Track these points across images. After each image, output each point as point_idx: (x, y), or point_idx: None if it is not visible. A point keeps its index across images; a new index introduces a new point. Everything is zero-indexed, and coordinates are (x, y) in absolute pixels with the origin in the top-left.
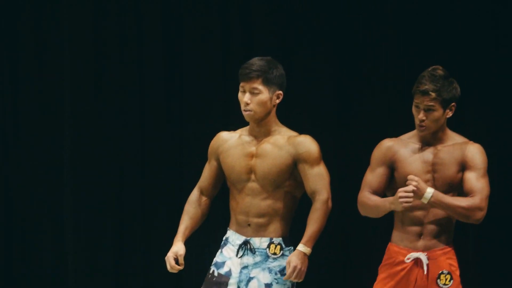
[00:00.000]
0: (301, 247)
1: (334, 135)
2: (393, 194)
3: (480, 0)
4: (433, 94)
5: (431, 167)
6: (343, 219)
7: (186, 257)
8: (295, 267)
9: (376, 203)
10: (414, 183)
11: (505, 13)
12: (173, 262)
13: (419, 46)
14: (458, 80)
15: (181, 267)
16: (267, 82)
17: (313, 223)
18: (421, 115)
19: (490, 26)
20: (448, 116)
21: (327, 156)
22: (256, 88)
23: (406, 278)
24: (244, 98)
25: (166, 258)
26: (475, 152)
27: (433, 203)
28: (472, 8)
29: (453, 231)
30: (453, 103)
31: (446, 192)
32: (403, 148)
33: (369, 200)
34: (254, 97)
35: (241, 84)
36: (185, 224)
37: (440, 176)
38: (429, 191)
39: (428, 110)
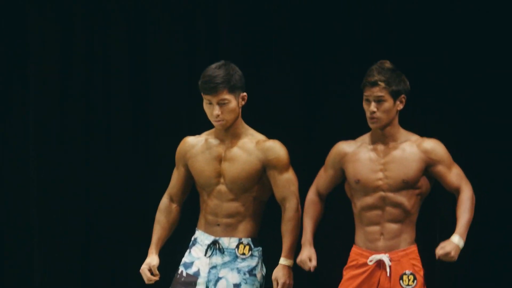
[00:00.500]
0: (283, 261)
1: (299, 139)
2: (350, 193)
3: None
4: (382, 84)
5: (382, 166)
6: None
7: None
8: (284, 284)
9: (304, 221)
10: (444, 253)
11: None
12: (148, 274)
13: (379, 48)
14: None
15: (156, 278)
16: (232, 90)
17: (289, 235)
18: (372, 107)
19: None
20: (398, 109)
21: (293, 160)
22: (224, 99)
23: (369, 279)
24: (214, 111)
25: (140, 270)
26: (435, 147)
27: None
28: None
29: (414, 230)
30: (402, 95)
31: (400, 189)
32: (355, 149)
33: (305, 213)
34: (223, 107)
35: (207, 97)
36: (157, 235)
37: (392, 175)
38: (460, 244)
39: (378, 101)
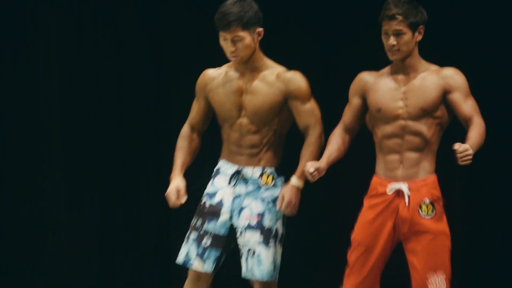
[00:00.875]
0: (294, 181)
1: (319, 71)
2: (371, 123)
3: None
4: (400, 17)
5: (402, 95)
6: None
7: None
8: (289, 202)
9: (325, 151)
10: (463, 150)
11: None
12: (174, 198)
13: None
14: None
15: (182, 201)
16: (246, 26)
17: (307, 158)
18: (391, 40)
19: None
20: (418, 40)
21: (314, 91)
22: (237, 36)
23: (388, 208)
24: (229, 47)
25: (166, 194)
26: (454, 74)
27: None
28: None
29: (434, 160)
30: (421, 26)
31: (418, 117)
32: (376, 79)
33: (328, 144)
34: (237, 44)
35: (222, 34)
36: (180, 160)
37: (411, 103)
38: (470, 150)
39: (397, 34)
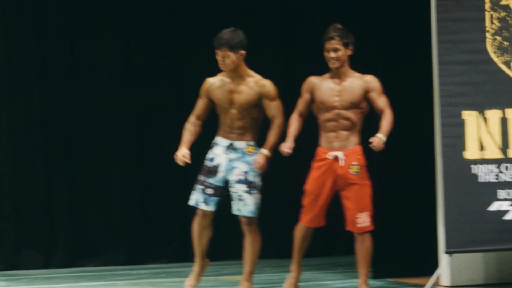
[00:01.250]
0: (263, 151)
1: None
2: (316, 110)
3: None
4: (337, 38)
5: (337, 93)
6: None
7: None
8: (258, 163)
9: (288, 130)
10: (376, 143)
11: None
12: (181, 157)
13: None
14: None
15: (188, 161)
16: (232, 49)
17: (272, 137)
18: (332, 54)
19: None
20: (348, 54)
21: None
22: (225, 54)
23: (329, 168)
24: (220, 61)
25: (175, 156)
26: (372, 79)
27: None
28: None
29: (359, 136)
30: (350, 44)
31: (348, 108)
32: (320, 82)
33: (288, 124)
34: (225, 59)
35: (216, 50)
36: (186, 138)
37: (344, 98)
38: (382, 138)
39: (335, 50)
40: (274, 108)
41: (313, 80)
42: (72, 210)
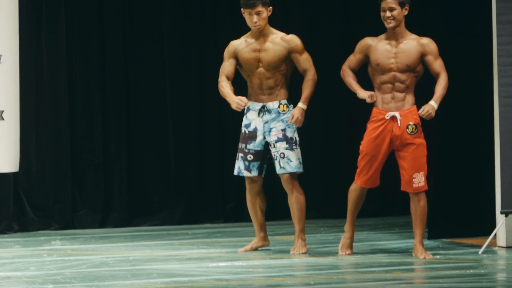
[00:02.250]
0: (300, 105)
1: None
2: (372, 72)
3: None
4: None
5: (393, 54)
6: (336, 93)
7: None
8: (297, 118)
9: (349, 82)
10: (426, 112)
11: None
12: (238, 101)
13: None
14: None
15: (247, 102)
16: (264, 5)
17: (307, 89)
18: (388, 13)
19: None
20: (404, 14)
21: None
22: (259, 11)
23: (385, 128)
24: (253, 19)
25: (232, 102)
26: (428, 42)
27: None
28: None
29: (414, 97)
30: (406, 5)
31: (404, 71)
32: (376, 43)
33: (346, 76)
34: (259, 16)
35: (247, 10)
36: (230, 90)
37: (400, 61)
38: (434, 106)
39: (391, 9)
40: (304, 60)
41: (368, 41)
42: (128, 170)
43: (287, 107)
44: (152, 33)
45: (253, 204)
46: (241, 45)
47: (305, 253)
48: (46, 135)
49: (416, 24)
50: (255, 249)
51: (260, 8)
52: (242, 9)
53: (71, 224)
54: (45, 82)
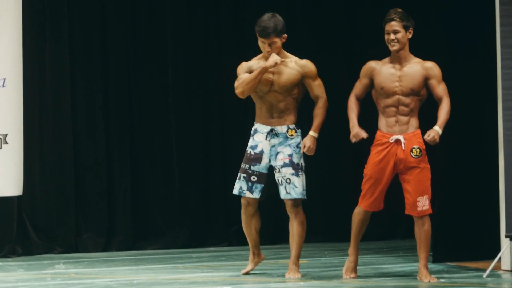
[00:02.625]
0: (312, 133)
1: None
2: (376, 96)
3: None
4: (397, 19)
5: (398, 78)
6: (339, 116)
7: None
8: (309, 147)
9: (350, 116)
10: (432, 138)
11: None
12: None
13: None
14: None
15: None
16: (278, 35)
17: (318, 118)
18: (392, 36)
19: None
20: (408, 37)
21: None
22: (273, 41)
23: (390, 153)
24: (266, 48)
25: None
26: (433, 66)
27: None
28: None
29: (418, 120)
30: (411, 28)
31: (409, 94)
32: (380, 66)
33: (349, 109)
34: (272, 46)
35: (262, 39)
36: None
37: (404, 84)
38: (439, 131)
39: (395, 32)
40: (317, 87)
41: (372, 64)
42: (132, 193)
43: (296, 132)
44: (156, 58)
45: (248, 225)
46: (253, 67)
47: (300, 277)
48: (50, 158)
49: (419, 47)
50: (256, 265)
51: (274, 39)
52: (257, 33)
53: (75, 247)
54: (48, 105)
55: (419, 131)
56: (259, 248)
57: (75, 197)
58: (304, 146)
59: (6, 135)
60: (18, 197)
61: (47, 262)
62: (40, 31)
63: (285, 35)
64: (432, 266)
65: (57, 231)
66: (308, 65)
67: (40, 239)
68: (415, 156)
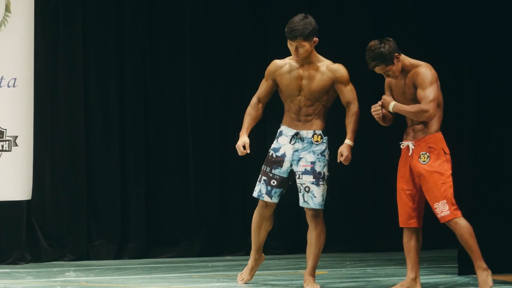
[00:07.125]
0: (347, 141)
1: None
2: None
3: None
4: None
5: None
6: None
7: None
8: (346, 156)
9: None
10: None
11: None
12: (242, 149)
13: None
14: None
15: (248, 151)
16: (306, 38)
17: (352, 125)
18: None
19: None
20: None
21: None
22: (300, 44)
23: (405, 158)
24: (294, 51)
25: (236, 146)
26: (338, 68)
27: (396, 111)
28: None
29: (436, 124)
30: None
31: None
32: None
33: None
34: (300, 48)
35: (290, 41)
36: (248, 123)
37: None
38: (392, 104)
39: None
40: (349, 92)
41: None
42: (146, 198)
43: (322, 138)
44: (173, 60)
45: (259, 225)
46: (283, 68)
47: None
48: (61, 162)
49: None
50: (255, 270)
51: (302, 42)
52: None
53: (86, 254)
54: (60, 106)
55: (430, 135)
56: (261, 249)
57: (87, 202)
58: (342, 155)
59: (16, 137)
60: (27, 201)
61: (57, 269)
62: (53, 30)
63: (316, 38)
64: (457, 278)
65: (67, 237)
66: (340, 69)
67: (50, 246)
68: (423, 162)
